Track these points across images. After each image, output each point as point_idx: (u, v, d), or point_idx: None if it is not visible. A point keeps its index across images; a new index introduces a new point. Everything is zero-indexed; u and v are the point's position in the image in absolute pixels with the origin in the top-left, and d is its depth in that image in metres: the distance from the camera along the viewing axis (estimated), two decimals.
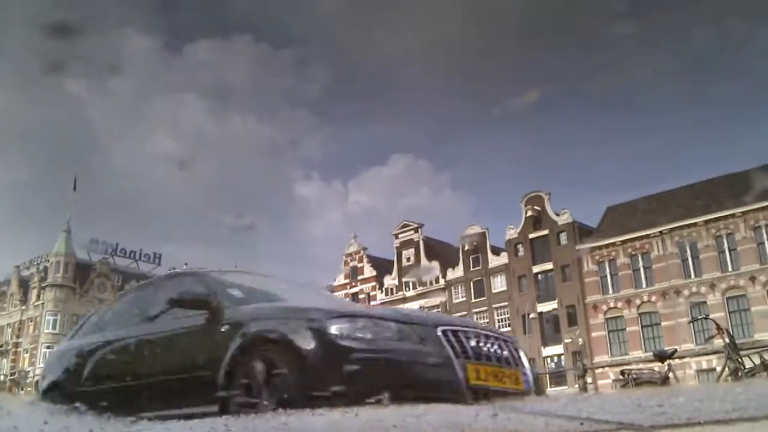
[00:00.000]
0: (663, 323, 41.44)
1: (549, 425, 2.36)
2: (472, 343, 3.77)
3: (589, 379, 38.49)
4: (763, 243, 39.65)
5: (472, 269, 50.87)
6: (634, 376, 10.21)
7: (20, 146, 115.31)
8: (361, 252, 59.43)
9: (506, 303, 48.38)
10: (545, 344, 45.92)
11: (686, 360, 35.09)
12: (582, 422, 2.39)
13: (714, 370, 31.94)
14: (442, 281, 52.25)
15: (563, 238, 46.99)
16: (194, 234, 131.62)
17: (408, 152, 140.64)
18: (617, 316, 43.61)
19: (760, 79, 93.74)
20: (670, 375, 9.19)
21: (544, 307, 46.56)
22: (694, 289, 40.94)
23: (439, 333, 3.68)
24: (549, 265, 47.03)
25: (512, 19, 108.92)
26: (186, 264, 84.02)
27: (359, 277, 58.48)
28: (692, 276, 41.34)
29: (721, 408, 2.23)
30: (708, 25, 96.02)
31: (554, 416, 2.34)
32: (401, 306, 48.32)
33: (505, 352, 4.05)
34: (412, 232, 55.59)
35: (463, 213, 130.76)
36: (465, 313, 50.29)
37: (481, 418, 2.37)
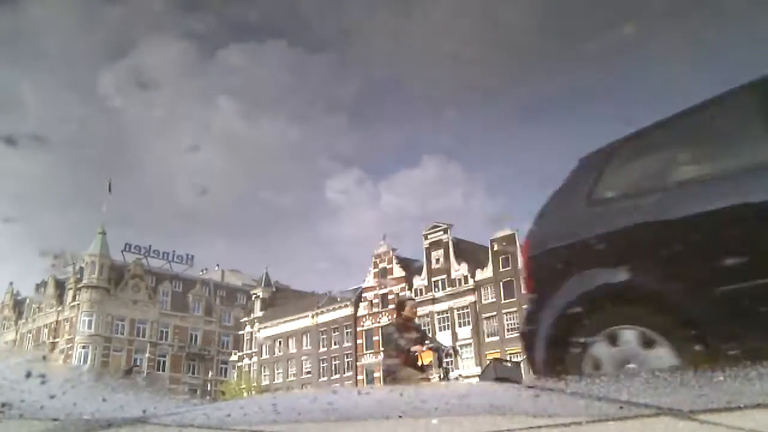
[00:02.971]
0: None
1: (589, 408, 2.39)
2: None
3: None
4: None
5: (501, 270, 50.59)
6: None
7: (57, 147, 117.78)
8: (391, 253, 59.49)
9: None
10: None
11: None
12: (621, 406, 2.41)
13: None
14: (471, 282, 52.04)
15: None
16: (227, 235, 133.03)
17: (439, 153, 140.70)
18: None
19: None
20: None
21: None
22: None
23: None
24: None
25: (544, 19, 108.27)
26: (218, 265, 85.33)
27: (389, 278, 58.53)
28: None
29: (762, 390, 2.24)
30: (735, 23, 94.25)
31: (595, 398, 2.37)
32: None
33: None
34: (441, 232, 55.48)
35: (493, 214, 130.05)
36: (495, 313, 50.07)
37: (523, 398, 2.42)
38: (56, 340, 68.79)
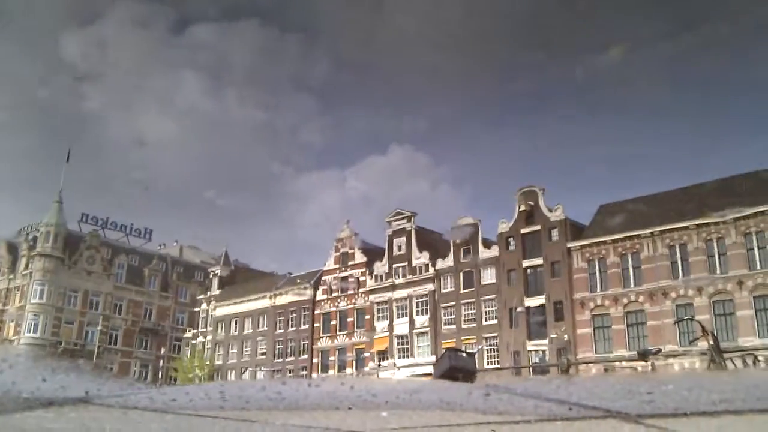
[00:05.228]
0: (649, 323, 41.72)
1: (538, 408, 2.40)
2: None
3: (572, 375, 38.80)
4: (752, 249, 39.89)
5: (462, 260, 50.98)
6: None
7: (15, 115, 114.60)
8: (353, 238, 59.47)
9: (494, 296, 48.55)
10: (531, 338, 46.16)
11: (670, 361, 35.41)
12: (570, 407, 2.42)
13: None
14: (431, 270, 52.36)
15: (554, 234, 47.11)
16: (187, 212, 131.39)
17: (406, 143, 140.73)
18: (604, 314, 43.86)
19: (759, 88, 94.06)
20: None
21: (532, 302, 46.75)
22: (681, 291, 41.19)
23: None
24: (539, 261, 47.19)
25: (512, 16, 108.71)
26: (176, 241, 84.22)
27: (349, 263, 58.53)
28: (680, 278, 41.59)
29: (709, 399, 2.27)
30: (710, 34, 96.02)
31: (544, 399, 2.37)
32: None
33: None
34: (404, 220, 55.62)
35: (457, 205, 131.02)
36: (453, 303, 50.50)
37: (474, 396, 2.41)
38: (6, 307, 67.26)
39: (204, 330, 68.03)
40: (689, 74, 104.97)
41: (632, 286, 43.27)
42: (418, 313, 52.54)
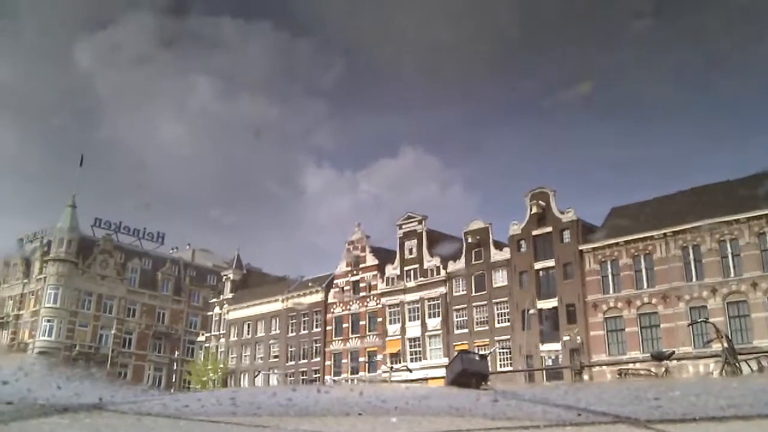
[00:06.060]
0: (662, 325, 41.46)
1: (547, 413, 2.41)
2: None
3: (585, 377, 38.63)
4: (766, 250, 39.59)
5: (474, 263, 50.88)
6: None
7: (29, 119, 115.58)
8: (364, 241, 59.49)
9: (506, 298, 48.41)
10: (543, 341, 45.98)
11: (684, 363, 35.15)
12: (579, 413, 2.43)
13: (711, 374, 31.97)
14: (443, 273, 52.29)
15: (566, 235, 46.93)
16: (199, 215, 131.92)
17: (418, 146, 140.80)
18: (617, 316, 43.63)
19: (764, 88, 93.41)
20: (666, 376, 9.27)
21: (544, 304, 46.57)
22: (695, 293, 40.90)
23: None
24: (551, 263, 47.01)
25: (521, 21, 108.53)
26: (189, 245, 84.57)
27: (361, 266, 58.57)
28: (694, 279, 41.32)
29: (717, 404, 2.27)
30: (716, 32, 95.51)
31: (552, 405, 2.38)
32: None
33: None
34: (416, 223, 55.59)
35: (468, 207, 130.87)
36: (465, 306, 50.41)
37: (482, 402, 2.42)
38: (21, 312, 67.82)
39: (217, 333, 68.28)
40: (694, 75, 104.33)
41: (645, 287, 43.02)
42: (430, 316, 52.47)
